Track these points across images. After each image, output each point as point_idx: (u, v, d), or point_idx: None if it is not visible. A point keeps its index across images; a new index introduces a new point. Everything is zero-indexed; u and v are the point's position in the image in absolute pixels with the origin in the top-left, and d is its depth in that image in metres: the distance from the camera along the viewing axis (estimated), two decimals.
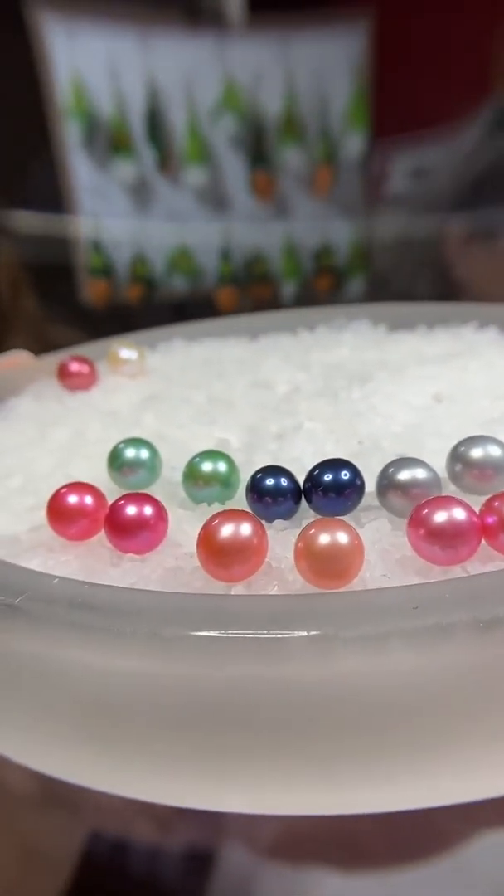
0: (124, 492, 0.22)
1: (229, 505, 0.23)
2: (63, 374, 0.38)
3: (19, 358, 0.41)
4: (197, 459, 0.23)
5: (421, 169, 1.15)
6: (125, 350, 0.39)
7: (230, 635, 0.17)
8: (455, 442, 0.23)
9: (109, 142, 1.16)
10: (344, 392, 0.31)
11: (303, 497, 0.22)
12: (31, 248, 1.15)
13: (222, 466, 0.23)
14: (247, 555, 0.18)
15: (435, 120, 1.13)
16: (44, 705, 0.19)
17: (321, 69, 1.14)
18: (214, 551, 0.19)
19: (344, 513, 0.21)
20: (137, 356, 0.39)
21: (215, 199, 1.20)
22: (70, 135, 1.15)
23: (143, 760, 0.19)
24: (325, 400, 0.31)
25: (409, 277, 1.15)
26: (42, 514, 0.23)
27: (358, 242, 1.21)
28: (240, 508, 0.22)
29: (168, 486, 0.25)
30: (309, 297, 1.20)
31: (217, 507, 0.23)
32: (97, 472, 0.26)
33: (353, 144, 1.17)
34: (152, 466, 0.25)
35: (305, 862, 0.50)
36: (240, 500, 0.23)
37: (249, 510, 0.22)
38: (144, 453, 0.24)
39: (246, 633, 0.17)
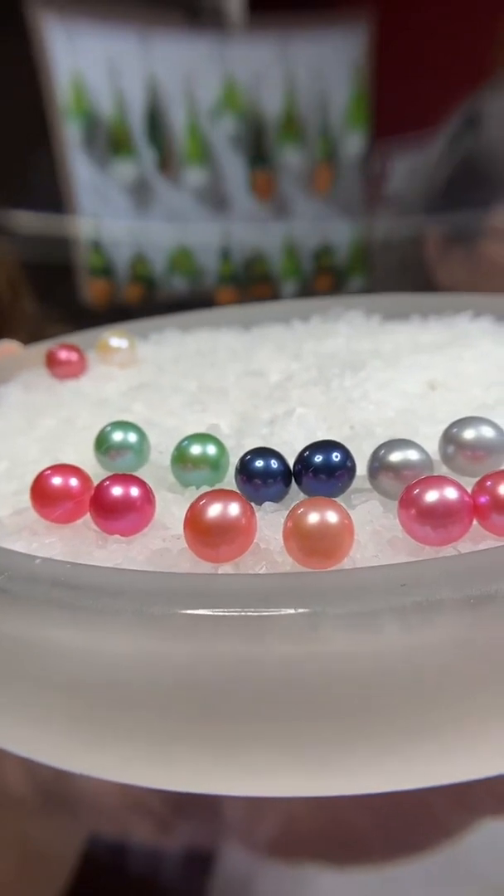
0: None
1: (218, 487, 0.22)
2: (52, 362, 0.37)
3: (6, 347, 0.40)
4: (186, 442, 0.23)
5: (419, 169, 1.15)
6: (115, 339, 0.38)
7: (217, 613, 0.16)
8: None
9: (109, 142, 1.16)
10: (337, 380, 0.31)
11: (293, 479, 0.21)
12: (31, 248, 1.15)
13: (211, 449, 0.23)
14: (234, 535, 0.18)
15: (435, 120, 1.13)
16: (27, 687, 0.19)
17: (321, 69, 1.14)
18: (202, 531, 0.18)
19: (335, 495, 0.21)
20: (128, 345, 0.38)
21: (215, 199, 1.20)
22: (70, 135, 1.15)
23: (129, 741, 0.19)
24: (318, 388, 0.31)
25: (395, 279, 1.15)
26: (25, 498, 0.22)
27: (358, 242, 1.21)
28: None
29: (156, 469, 0.24)
30: (309, 297, 1.20)
31: (206, 490, 0.23)
32: (84, 458, 0.26)
33: (353, 144, 1.17)
34: (140, 450, 0.24)
35: (303, 859, 0.49)
36: (229, 484, 0.23)
37: (239, 492, 0.21)
38: (132, 436, 0.24)
39: (233, 612, 0.16)
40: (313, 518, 0.18)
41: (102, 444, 0.24)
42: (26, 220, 1.16)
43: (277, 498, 0.21)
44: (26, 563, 0.19)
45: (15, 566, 0.18)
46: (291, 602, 0.16)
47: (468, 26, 1.08)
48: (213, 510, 0.18)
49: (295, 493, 0.22)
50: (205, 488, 0.22)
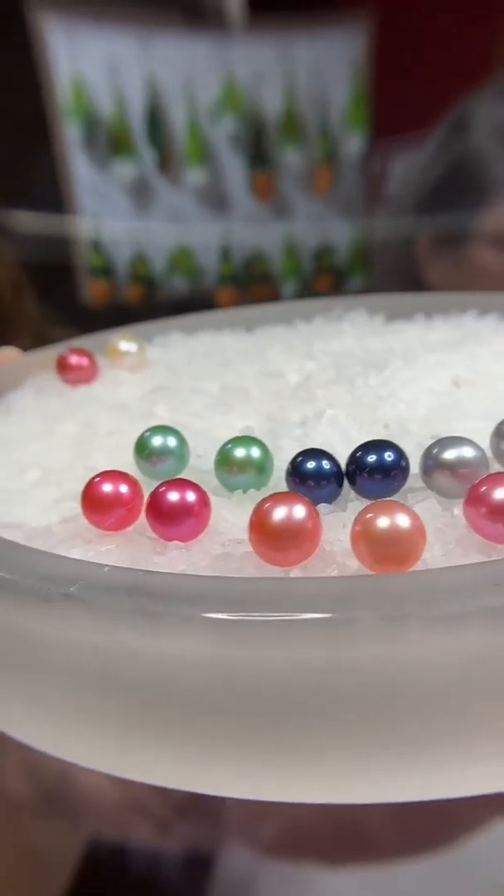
0: (153, 482, 0.22)
1: (265, 491, 0.22)
2: (63, 367, 0.36)
3: (6, 354, 0.40)
4: (229, 446, 0.22)
5: (407, 171, 1.16)
6: (125, 342, 0.37)
7: (301, 618, 0.16)
8: (484, 424, 0.23)
9: (109, 142, 1.16)
10: (360, 379, 0.31)
11: (345, 480, 0.21)
12: (31, 248, 1.15)
13: (256, 452, 0.22)
14: (302, 538, 0.18)
15: (435, 120, 1.14)
16: (99, 696, 0.19)
17: (321, 69, 1.14)
18: (268, 535, 0.18)
19: (389, 494, 0.21)
20: (137, 349, 0.38)
21: (215, 199, 1.20)
22: (70, 135, 1.15)
23: (206, 750, 0.18)
24: (342, 387, 0.31)
25: (390, 279, 1.15)
26: (71, 506, 0.22)
27: (358, 242, 1.21)
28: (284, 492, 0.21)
29: (197, 474, 0.24)
30: (309, 297, 1.20)
31: (253, 494, 0.22)
32: (118, 463, 0.25)
33: (353, 144, 1.17)
34: (181, 455, 0.24)
35: (313, 858, 0.49)
36: (276, 486, 0.22)
37: None
38: (172, 441, 0.24)
39: (318, 616, 0.16)
40: (384, 522, 0.18)
41: (144, 450, 0.24)
42: (26, 220, 1.16)
43: (331, 499, 0.21)
44: (96, 572, 0.18)
45: (86, 574, 0.18)
46: (377, 605, 0.16)
47: (468, 26, 1.08)
48: (279, 513, 0.18)
49: (345, 493, 0.22)
50: (251, 492, 0.22)
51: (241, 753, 0.18)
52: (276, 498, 0.18)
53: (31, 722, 0.21)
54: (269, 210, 1.20)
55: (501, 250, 0.84)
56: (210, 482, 0.23)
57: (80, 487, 0.23)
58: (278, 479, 0.23)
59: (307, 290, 1.21)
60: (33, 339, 0.90)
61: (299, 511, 0.18)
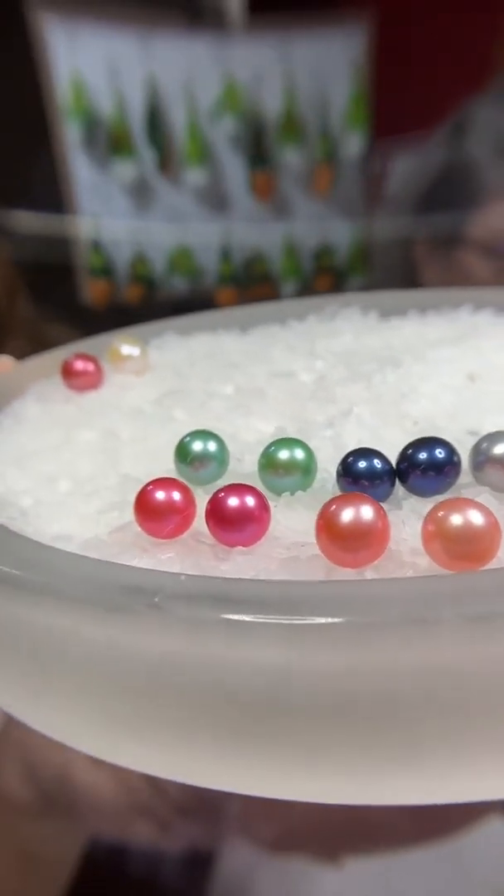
0: (195, 487, 0.22)
1: (311, 493, 0.22)
2: (68, 373, 0.36)
3: (1, 364, 0.39)
4: (272, 448, 0.22)
5: (406, 172, 1.16)
6: (127, 346, 0.37)
7: (389, 620, 0.16)
8: None
9: (109, 142, 1.16)
10: (377, 376, 0.31)
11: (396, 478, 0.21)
12: (31, 248, 1.15)
13: (300, 454, 0.22)
14: (372, 538, 0.18)
15: (435, 120, 1.14)
16: (184, 706, 0.18)
17: (321, 69, 1.14)
18: (338, 537, 0.18)
19: (442, 491, 0.21)
20: (140, 352, 0.38)
21: (215, 199, 1.20)
22: (70, 135, 1.15)
23: (293, 757, 0.18)
24: (360, 385, 0.31)
25: (388, 279, 1.15)
26: (116, 515, 0.22)
27: (358, 242, 1.21)
28: (328, 494, 0.21)
29: (239, 478, 0.24)
30: (300, 297, 1.20)
31: (301, 497, 0.22)
32: (150, 470, 0.25)
33: (353, 144, 1.17)
34: (222, 459, 0.24)
35: (312, 852, 0.49)
36: (322, 487, 0.22)
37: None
38: (213, 445, 0.24)
39: (410, 616, 0.16)
40: (458, 520, 0.18)
41: (186, 455, 0.24)
42: (26, 220, 1.16)
43: (384, 498, 0.21)
44: (173, 581, 0.18)
45: (165, 585, 0.18)
46: (464, 604, 0.16)
47: (468, 26, 1.08)
48: (347, 515, 0.18)
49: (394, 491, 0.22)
50: (299, 494, 0.22)
51: (346, 759, 0.18)
52: (343, 499, 0.18)
53: (108, 737, 0.20)
54: (269, 210, 1.20)
55: (488, 258, 0.84)
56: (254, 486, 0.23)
57: (120, 496, 0.23)
58: (322, 481, 0.23)
59: (307, 291, 1.21)
60: (28, 339, 0.90)
61: (367, 511, 0.18)
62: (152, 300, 1.22)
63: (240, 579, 0.18)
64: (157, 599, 0.17)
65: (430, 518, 0.18)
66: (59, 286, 1.21)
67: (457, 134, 0.97)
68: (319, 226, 1.20)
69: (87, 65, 1.13)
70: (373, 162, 1.17)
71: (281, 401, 0.31)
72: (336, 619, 0.16)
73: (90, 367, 0.36)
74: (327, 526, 0.18)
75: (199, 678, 0.18)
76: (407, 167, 1.10)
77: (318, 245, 1.21)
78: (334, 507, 0.18)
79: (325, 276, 1.22)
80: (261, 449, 0.25)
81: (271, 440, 0.26)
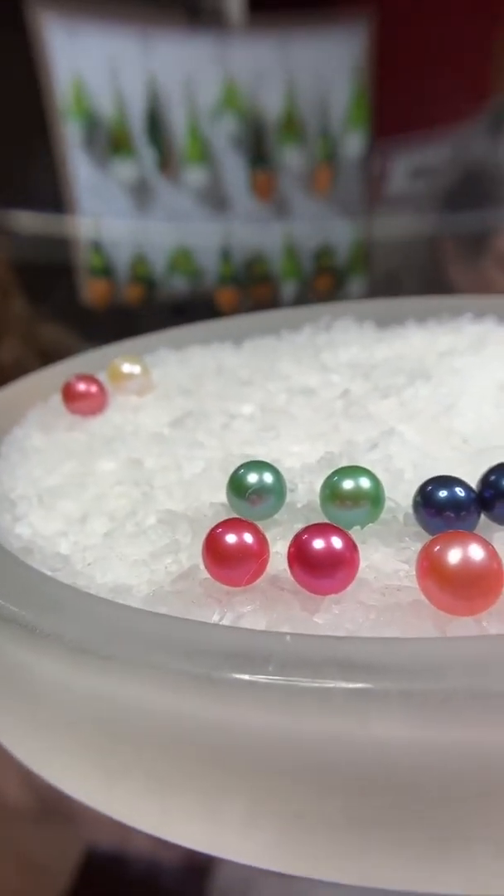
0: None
1: (384, 525, 0.20)
2: (70, 396, 0.33)
3: None
4: (336, 478, 0.21)
5: (420, 169, 1.15)
6: (127, 364, 0.35)
7: None
8: None
9: (109, 142, 1.15)
10: (409, 390, 0.30)
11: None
12: (31, 248, 1.15)
13: (366, 482, 0.20)
14: (487, 582, 0.16)
15: (435, 120, 1.14)
16: (296, 791, 0.16)
17: (321, 69, 1.14)
18: (450, 582, 0.16)
19: None
20: (141, 370, 0.35)
21: (215, 199, 1.20)
22: (70, 135, 1.14)
23: (422, 849, 0.15)
24: (391, 400, 0.30)
25: (407, 278, 1.15)
26: (171, 560, 0.20)
27: (358, 242, 1.21)
28: (401, 526, 0.20)
29: (297, 511, 0.22)
30: (309, 298, 1.20)
31: (374, 530, 0.20)
32: (193, 504, 0.23)
33: (353, 144, 1.17)
34: (280, 492, 0.22)
35: None
36: (393, 519, 0.21)
37: (422, 527, 0.20)
38: (269, 477, 0.22)
39: None
40: None
41: (244, 490, 0.22)
42: (26, 220, 1.15)
43: (470, 530, 0.19)
44: (282, 645, 0.16)
45: (273, 650, 0.15)
46: None
47: (468, 26, 1.08)
48: (455, 556, 0.16)
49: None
50: (369, 527, 0.21)
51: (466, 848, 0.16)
52: (447, 539, 0.17)
53: (208, 827, 0.18)
54: (269, 210, 1.20)
55: None
56: (313, 519, 0.21)
57: (169, 537, 0.22)
58: (389, 510, 0.21)
59: (307, 291, 1.21)
60: (22, 339, 0.89)
61: (478, 552, 0.16)
62: (152, 300, 1.21)
63: (361, 639, 0.16)
64: (270, 668, 0.15)
65: None
66: (59, 286, 1.20)
67: (492, 130, 0.97)
68: (319, 226, 1.20)
69: (87, 65, 1.12)
70: (373, 162, 1.17)
71: (310, 421, 0.29)
72: (500, 687, 0.14)
73: (93, 388, 0.33)
74: (434, 569, 0.16)
75: (315, 756, 0.15)
76: (422, 164, 1.09)
77: (318, 245, 1.21)
78: (438, 547, 0.16)
79: (325, 276, 1.22)
80: (311, 477, 0.24)
81: (318, 466, 0.25)
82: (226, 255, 1.21)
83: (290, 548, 0.18)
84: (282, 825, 0.16)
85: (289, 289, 1.22)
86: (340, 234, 1.20)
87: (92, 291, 1.21)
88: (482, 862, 0.16)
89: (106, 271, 1.20)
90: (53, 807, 0.47)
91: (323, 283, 1.21)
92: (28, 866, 0.50)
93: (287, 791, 0.16)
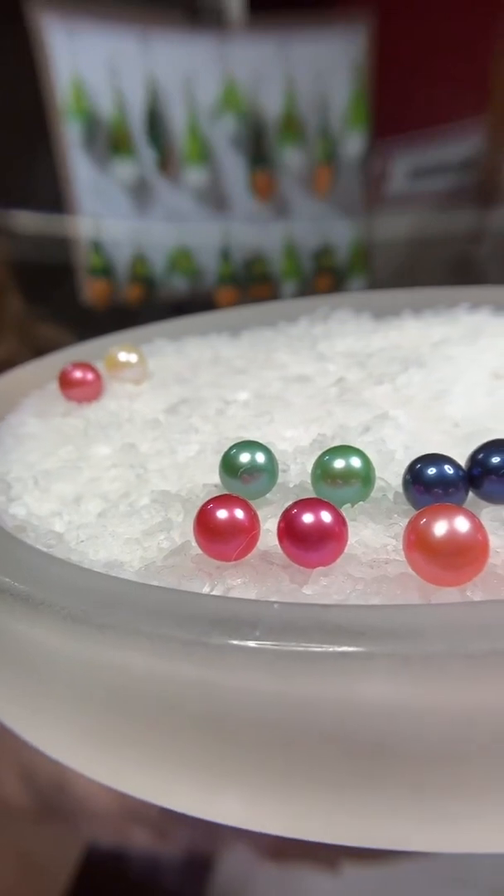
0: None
1: (373, 503, 0.21)
2: (66, 383, 0.33)
3: None
4: (327, 458, 0.21)
5: (420, 169, 1.16)
6: (123, 353, 0.35)
7: None
8: None
9: (109, 142, 1.16)
10: (402, 378, 0.30)
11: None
12: (31, 248, 1.15)
13: (357, 462, 0.21)
14: (473, 553, 0.16)
15: (435, 120, 1.14)
16: (286, 751, 0.16)
17: (321, 69, 1.14)
18: (436, 553, 0.16)
19: None
20: (138, 359, 0.35)
21: (215, 199, 1.20)
22: (70, 135, 1.15)
23: (406, 806, 0.16)
24: (385, 387, 0.30)
25: (433, 273, 1.15)
26: (164, 537, 0.21)
27: (358, 242, 1.21)
28: (391, 504, 0.20)
29: (289, 490, 0.22)
30: (312, 296, 1.20)
31: (364, 508, 0.21)
32: (187, 485, 0.24)
33: (353, 144, 1.17)
34: (272, 471, 0.22)
35: (310, 859, 0.49)
36: (384, 497, 0.21)
37: (411, 504, 0.20)
38: (261, 456, 0.22)
39: None
40: None
41: (236, 469, 0.22)
42: (26, 220, 1.16)
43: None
44: (270, 612, 0.16)
45: (262, 616, 0.16)
46: None
47: (468, 27, 1.08)
48: (441, 528, 0.16)
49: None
50: (359, 505, 0.21)
51: (463, 806, 0.16)
52: (433, 511, 0.17)
53: (201, 789, 0.18)
54: (269, 210, 1.20)
55: None
56: (303, 497, 0.21)
57: (162, 516, 0.22)
58: (380, 489, 0.22)
59: (307, 291, 1.21)
60: (19, 338, 0.89)
61: (463, 524, 0.17)
62: (152, 300, 1.22)
63: (346, 605, 0.16)
64: (257, 633, 0.15)
65: None
66: (59, 286, 1.20)
67: None
68: (319, 226, 1.20)
69: (87, 65, 1.12)
70: (373, 162, 1.17)
71: (304, 406, 0.30)
72: (482, 648, 0.14)
73: (89, 375, 0.33)
74: (420, 542, 0.16)
75: (303, 720, 0.16)
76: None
77: (318, 245, 1.21)
78: (425, 520, 0.17)
79: (325, 276, 1.22)
80: (303, 458, 0.24)
81: (311, 448, 0.25)
82: (226, 254, 1.21)
83: (279, 522, 0.18)
84: (273, 787, 0.17)
85: (289, 289, 1.22)
86: (340, 234, 1.20)
87: (92, 291, 1.21)
88: (464, 820, 0.16)
89: (106, 271, 1.20)
90: (52, 806, 0.47)
91: (323, 283, 1.22)
92: (27, 866, 0.50)
93: (277, 751, 0.16)
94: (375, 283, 1.20)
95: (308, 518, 0.18)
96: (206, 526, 0.19)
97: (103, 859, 0.52)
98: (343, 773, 0.16)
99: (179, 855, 0.52)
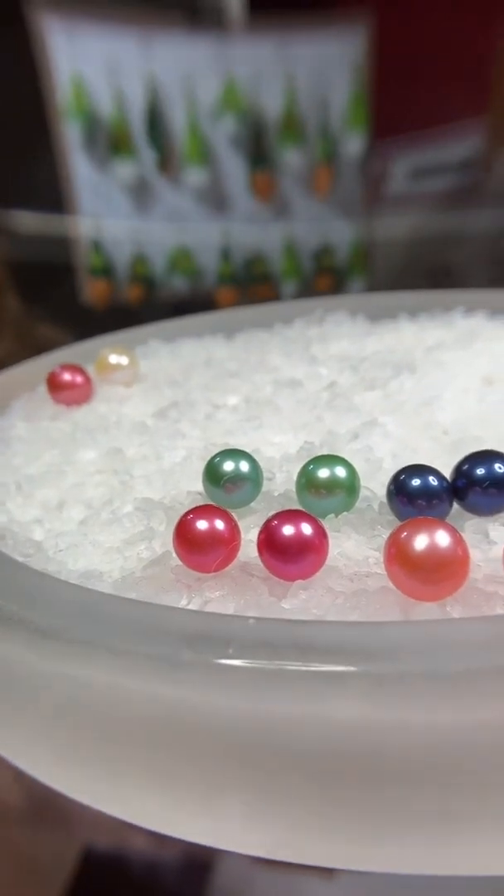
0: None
1: (358, 514, 0.20)
2: (54, 386, 0.33)
3: None
4: (311, 467, 0.21)
5: (420, 169, 1.15)
6: (114, 355, 0.35)
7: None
8: None
9: (109, 142, 1.15)
10: (393, 383, 0.30)
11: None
12: (31, 248, 1.15)
13: (342, 471, 0.20)
14: (452, 568, 0.16)
15: (434, 120, 1.14)
16: (258, 771, 0.16)
17: (321, 69, 1.14)
18: (415, 568, 0.16)
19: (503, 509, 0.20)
20: (129, 361, 0.35)
21: (215, 199, 1.20)
22: (70, 135, 1.14)
23: (391, 823, 0.15)
24: (376, 393, 0.30)
25: (467, 270, 1.14)
26: (145, 547, 0.20)
27: (358, 242, 1.21)
28: (376, 515, 0.20)
29: (273, 499, 0.22)
30: (307, 298, 1.20)
31: (348, 519, 0.20)
32: (171, 493, 0.23)
33: (353, 144, 1.17)
34: (256, 480, 0.22)
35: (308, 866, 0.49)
36: (368, 507, 0.21)
37: (395, 515, 0.20)
38: (245, 465, 0.22)
39: None
40: None
41: (220, 478, 0.22)
42: (26, 220, 1.16)
43: (442, 518, 0.20)
44: (244, 628, 0.16)
45: (236, 633, 0.15)
46: None
47: (469, 27, 1.08)
48: (422, 542, 0.16)
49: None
50: (344, 516, 0.21)
51: (429, 828, 0.16)
52: (414, 525, 0.17)
53: (166, 808, 0.18)
54: (269, 210, 1.20)
55: None
56: (288, 507, 0.21)
57: (144, 524, 0.22)
58: (365, 499, 0.22)
59: (307, 291, 1.21)
60: (17, 339, 0.89)
61: (444, 538, 0.16)
62: (152, 300, 1.21)
63: (323, 623, 0.16)
64: (230, 651, 0.15)
65: None
66: (59, 286, 1.20)
67: None
68: (319, 226, 1.20)
69: (87, 65, 1.12)
70: (373, 162, 1.17)
71: (294, 411, 0.30)
72: (456, 667, 0.14)
73: (78, 378, 0.33)
74: (400, 555, 0.16)
75: (276, 739, 0.15)
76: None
77: (318, 245, 1.21)
78: (405, 533, 0.16)
79: (325, 277, 1.22)
80: (289, 466, 0.24)
81: (298, 456, 0.25)
82: (226, 254, 1.21)
83: (259, 534, 0.18)
84: (245, 806, 0.16)
85: (289, 289, 1.22)
86: (340, 234, 1.20)
87: (92, 291, 1.21)
88: (440, 840, 0.16)
89: (106, 271, 1.20)
90: (49, 808, 0.47)
91: (323, 283, 1.21)
92: (25, 867, 0.49)
93: (250, 771, 0.16)
94: (375, 284, 1.20)
95: (288, 530, 0.18)
96: (185, 537, 0.19)
97: (101, 861, 0.52)
98: (316, 793, 0.15)
99: (178, 857, 0.52)
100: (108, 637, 0.16)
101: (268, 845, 0.17)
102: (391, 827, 0.16)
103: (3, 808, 0.48)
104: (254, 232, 1.20)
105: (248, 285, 1.22)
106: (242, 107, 1.15)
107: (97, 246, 1.19)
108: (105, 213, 1.18)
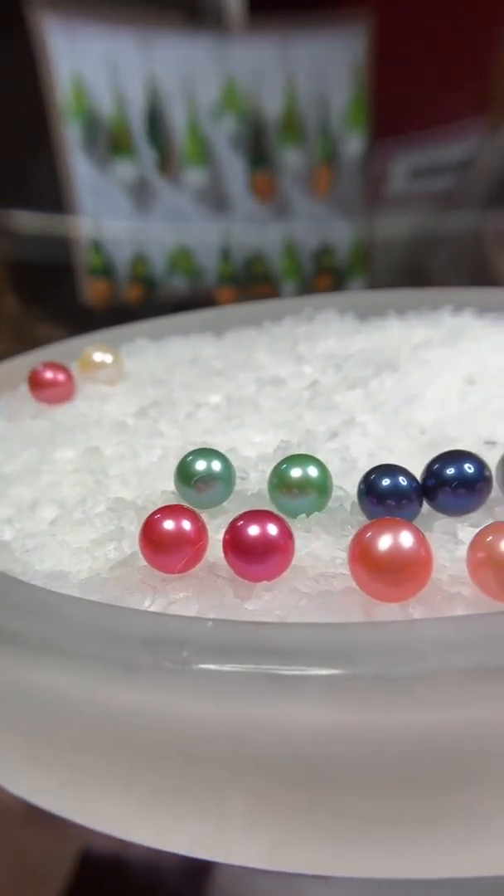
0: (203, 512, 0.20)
1: (329, 514, 0.20)
2: (36, 384, 0.32)
3: None
4: (284, 466, 0.21)
5: (420, 169, 1.15)
6: (98, 354, 0.35)
7: (465, 668, 0.14)
8: None
9: (109, 142, 1.16)
10: (375, 382, 0.30)
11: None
12: (31, 248, 1.15)
13: (314, 471, 0.20)
14: (415, 569, 0.16)
15: (434, 120, 1.13)
16: (219, 776, 0.15)
17: (321, 69, 1.14)
18: (378, 568, 0.16)
19: (474, 509, 0.20)
20: (112, 359, 0.35)
21: (215, 200, 1.20)
22: (70, 135, 1.15)
23: (349, 826, 0.15)
24: (357, 392, 0.30)
25: (445, 272, 1.14)
26: (114, 547, 0.20)
27: (358, 242, 1.21)
28: (347, 515, 0.20)
29: (246, 499, 0.22)
30: (272, 300, 1.19)
31: (318, 519, 0.20)
32: (145, 493, 0.23)
33: (353, 144, 1.17)
34: (228, 479, 0.22)
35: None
36: (340, 507, 0.21)
37: (365, 515, 0.20)
38: (217, 465, 0.21)
39: (486, 664, 0.14)
40: None
41: (190, 477, 0.21)
42: (26, 220, 1.16)
43: (412, 519, 0.20)
44: (201, 630, 0.15)
45: (192, 635, 0.15)
46: None
47: (468, 27, 1.08)
48: (385, 542, 0.16)
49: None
50: (315, 516, 0.20)
51: (402, 833, 0.16)
52: (379, 526, 0.17)
53: (121, 812, 0.17)
54: (269, 210, 1.20)
55: None
56: (260, 507, 0.20)
57: (115, 524, 0.21)
58: (337, 499, 0.22)
59: (307, 291, 1.21)
60: (15, 338, 0.89)
61: (407, 538, 0.16)
62: (152, 300, 1.21)
63: (280, 625, 0.16)
64: (184, 654, 0.15)
65: (477, 545, 0.16)
66: (58, 286, 1.20)
67: None
68: (319, 226, 1.20)
69: (87, 65, 1.12)
70: (373, 162, 1.17)
71: (274, 410, 0.29)
72: (413, 669, 0.14)
73: (60, 376, 0.33)
74: (364, 556, 0.16)
75: (234, 743, 0.15)
76: (475, 157, 1.09)
77: (318, 245, 1.21)
78: (370, 534, 0.16)
79: (325, 277, 1.21)
80: (265, 465, 0.24)
81: (274, 455, 0.25)
82: (226, 254, 1.21)
83: (225, 534, 0.18)
84: (203, 811, 0.16)
85: (289, 288, 1.22)
86: (340, 234, 1.20)
87: (92, 291, 1.21)
88: (402, 843, 0.16)
89: (106, 271, 1.20)
90: (45, 809, 0.47)
91: (323, 283, 1.21)
92: (22, 868, 0.49)
93: (208, 774, 0.16)
94: (375, 284, 1.19)
95: (254, 531, 0.18)
96: (151, 537, 0.18)
97: (100, 862, 0.51)
98: (276, 797, 0.15)
99: (178, 858, 0.52)
100: (61, 640, 0.16)
101: (232, 851, 0.17)
102: (355, 832, 0.16)
103: (2, 808, 0.48)
104: (254, 232, 1.20)
105: (248, 285, 1.22)
106: (242, 107, 1.15)
107: (97, 246, 1.20)
108: (105, 213, 1.18)
